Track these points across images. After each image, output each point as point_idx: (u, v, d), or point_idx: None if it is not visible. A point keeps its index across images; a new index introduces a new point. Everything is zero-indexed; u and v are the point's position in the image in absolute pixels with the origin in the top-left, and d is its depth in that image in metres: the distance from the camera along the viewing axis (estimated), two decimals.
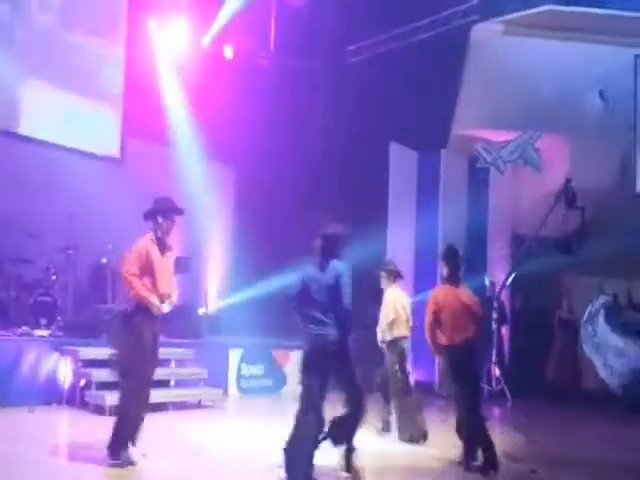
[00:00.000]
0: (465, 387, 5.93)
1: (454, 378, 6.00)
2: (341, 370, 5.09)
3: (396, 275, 7.13)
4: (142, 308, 5.17)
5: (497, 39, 11.00)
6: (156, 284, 5.20)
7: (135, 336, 5.13)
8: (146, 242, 5.26)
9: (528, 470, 5.95)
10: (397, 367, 6.83)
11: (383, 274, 7.12)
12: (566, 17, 10.76)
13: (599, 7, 10.76)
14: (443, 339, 5.95)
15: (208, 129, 10.00)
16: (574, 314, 11.07)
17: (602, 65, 10.68)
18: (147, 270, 5.17)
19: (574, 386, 10.75)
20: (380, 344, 6.97)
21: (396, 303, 6.95)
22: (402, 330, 6.91)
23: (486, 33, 11.00)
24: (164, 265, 5.29)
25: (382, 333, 6.95)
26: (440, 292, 6.09)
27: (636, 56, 10.79)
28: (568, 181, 9.93)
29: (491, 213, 11.43)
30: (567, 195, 9.65)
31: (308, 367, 5.08)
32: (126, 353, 5.26)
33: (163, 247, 5.30)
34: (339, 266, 5.06)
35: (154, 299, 5.18)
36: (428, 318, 6.00)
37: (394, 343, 6.88)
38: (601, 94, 10.81)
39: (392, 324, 6.87)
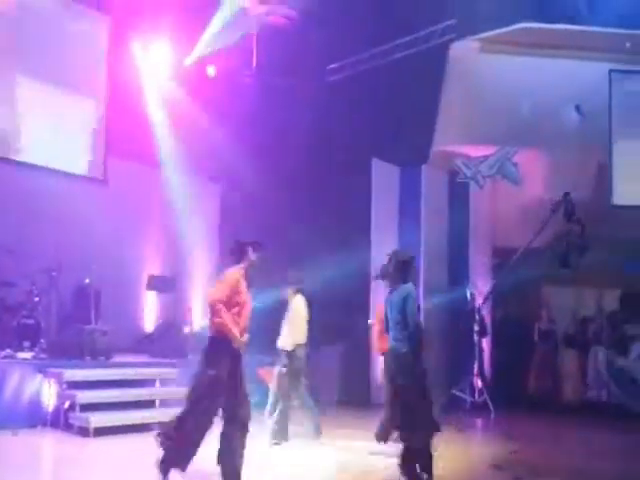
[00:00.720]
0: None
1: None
2: (408, 383, 5.58)
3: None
4: (222, 339, 5.13)
5: (474, 56, 11.22)
6: (241, 317, 5.21)
7: (210, 365, 5.12)
8: (238, 274, 5.25)
9: (512, 478, 6.07)
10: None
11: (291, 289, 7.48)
12: (541, 34, 11.00)
13: (573, 23, 11.03)
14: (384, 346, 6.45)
15: (192, 148, 10.08)
16: (554, 325, 11.25)
17: (577, 80, 10.92)
18: (234, 302, 5.17)
19: (555, 396, 10.90)
20: (286, 349, 7.26)
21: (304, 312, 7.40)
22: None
23: (464, 51, 11.21)
24: (248, 299, 5.33)
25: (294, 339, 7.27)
26: (380, 305, 6.65)
27: (610, 71, 11.04)
28: (566, 195, 10.05)
29: (472, 226, 11.58)
30: (567, 208, 9.72)
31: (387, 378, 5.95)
32: (199, 380, 5.19)
33: (249, 281, 5.34)
34: (405, 289, 5.65)
35: (236, 332, 5.15)
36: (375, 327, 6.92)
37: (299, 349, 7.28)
38: (577, 108, 11.03)
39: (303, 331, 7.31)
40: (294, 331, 7.26)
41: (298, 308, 7.36)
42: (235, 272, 5.25)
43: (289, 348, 7.24)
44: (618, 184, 10.87)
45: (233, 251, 5.36)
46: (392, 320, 5.65)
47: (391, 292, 5.76)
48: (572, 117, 11.05)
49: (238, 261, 5.31)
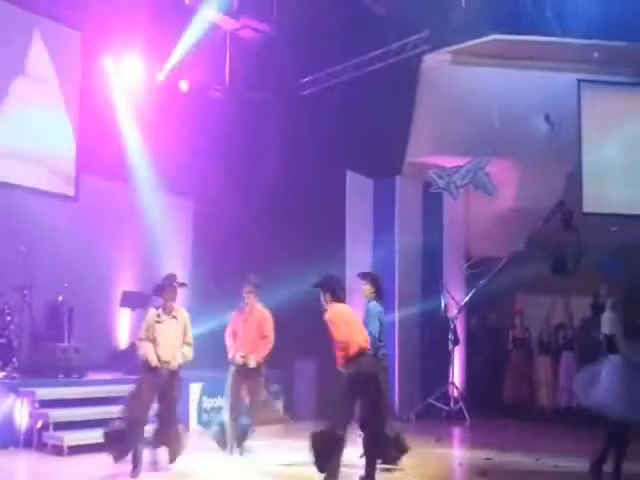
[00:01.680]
0: None
1: None
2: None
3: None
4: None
5: (446, 68, 11.35)
6: None
7: None
8: None
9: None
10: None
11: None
12: (511, 45, 11.16)
13: (542, 35, 11.22)
14: None
15: (165, 163, 10.08)
16: (528, 332, 11.35)
17: (547, 90, 11.09)
18: None
19: (530, 403, 11.00)
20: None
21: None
22: None
23: (436, 63, 11.34)
24: None
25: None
26: None
27: (579, 80, 11.22)
28: (561, 203, 9.96)
29: (446, 236, 11.65)
30: (564, 216, 9.60)
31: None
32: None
33: None
34: (370, 305, 7.09)
35: None
36: None
37: None
38: (547, 118, 11.18)
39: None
40: (188, 347, 6.67)
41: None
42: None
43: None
44: (588, 192, 11.05)
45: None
46: (375, 331, 6.83)
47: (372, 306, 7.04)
48: (542, 126, 11.21)
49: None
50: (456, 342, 10.85)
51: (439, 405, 10.40)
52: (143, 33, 10.24)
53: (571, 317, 11.24)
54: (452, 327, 10.68)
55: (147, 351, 6.41)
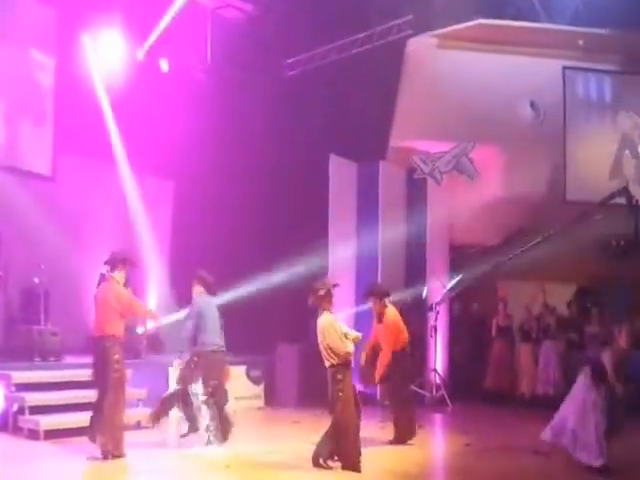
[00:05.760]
0: None
1: None
2: None
3: None
4: None
5: (431, 52, 11.27)
6: None
7: None
8: None
9: None
10: None
11: None
12: (497, 30, 11.13)
13: (528, 20, 11.18)
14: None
15: (145, 144, 9.90)
16: (511, 320, 11.32)
17: (532, 76, 11.08)
18: None
19: (511, 391, 11.01)
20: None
21: None
22: None
23: (421, 47, 11.26)
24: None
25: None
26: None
27: (564, 67, 11.21)
28: (625, 188, 9.21)
29: (429, 223, 11.56)
30: (629, 200, 8.94)
31: None
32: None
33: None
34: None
35: None
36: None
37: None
38: (532, 105, 11.17)
39: None
40: None
41: None
42: None
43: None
44: (571, 180, 11.06)
45: None
46: None
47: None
48: (527, 113, 11.19)
49: None
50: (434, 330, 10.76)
51: (422, 392, 10.36)
52: (122, 10, 10.00)
53: (549, 306, 11.20)
54: (434, 314, 10.59)
55: None
